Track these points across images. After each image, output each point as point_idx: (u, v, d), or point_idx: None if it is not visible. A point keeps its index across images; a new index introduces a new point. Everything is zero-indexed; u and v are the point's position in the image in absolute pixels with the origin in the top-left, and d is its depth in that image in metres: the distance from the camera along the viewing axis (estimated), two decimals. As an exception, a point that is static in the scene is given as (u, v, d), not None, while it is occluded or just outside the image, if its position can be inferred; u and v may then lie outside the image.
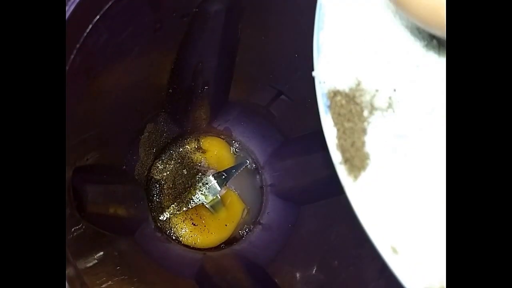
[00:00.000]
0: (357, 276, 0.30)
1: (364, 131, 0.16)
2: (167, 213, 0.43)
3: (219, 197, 0.43)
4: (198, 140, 0.46)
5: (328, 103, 0.17)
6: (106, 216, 0.35)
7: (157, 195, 0.44)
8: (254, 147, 0.46)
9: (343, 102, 0.16)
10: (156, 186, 0.44)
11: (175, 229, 0.43)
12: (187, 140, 0.46)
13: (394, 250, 0.15)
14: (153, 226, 0.43)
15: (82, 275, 0.25)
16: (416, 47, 0.17)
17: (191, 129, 0.46)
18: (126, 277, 0.33)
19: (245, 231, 0.45)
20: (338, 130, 0.16)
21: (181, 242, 0.43)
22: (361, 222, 0.16)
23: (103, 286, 0.29)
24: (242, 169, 0.43)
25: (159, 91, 0.41)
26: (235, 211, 0.45)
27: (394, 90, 0.16)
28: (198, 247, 0.43)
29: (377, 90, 0.17)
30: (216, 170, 0.44)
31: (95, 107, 0.32)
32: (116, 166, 0.41)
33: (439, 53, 0.17)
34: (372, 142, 0.16)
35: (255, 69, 0.39)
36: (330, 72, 0.17)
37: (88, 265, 0.28)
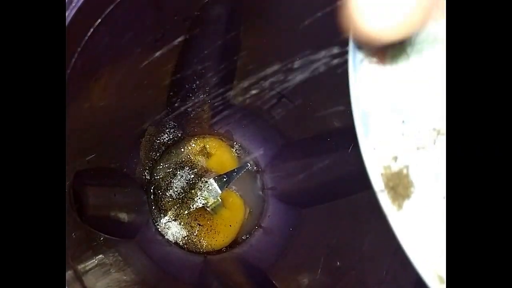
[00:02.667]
0: (360, 280, 0.30)
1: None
2: (168, 216, 0.43)
3: (220, 200, 0.43)
4: (199, 143, 0.46)
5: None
6: (107, 219, 0.35)
7: (158, 198, 0.44)
8: (255, 150, 0.46)
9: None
10: (157, 189, 0.44)
11: (176, 232, 0.43)
12: (188, 143, 0.46)
13: (441, 280, 0.15)
14: (153, 230, 0.43)
15: (81, 278, 0.25)
16: None
17: (192, 132, 0.46)
18: (126, 280, 0.33)
19: (246, 235, 0.44)
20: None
21: (181, 246, 0.43)
22: (406, 251, 0.15)
23: (103, 289, 0.29)
24: (243, 172, 0.43)
25: (160, 94, 0.41)
26: (238, 212, 0.44)
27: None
28: (200, 250, 0.43)
29: (419, 132, 0.16)
30: (217, 173, 0.44)
31: (96, 110, 0.32)
32: (117, 169, 0.41)
33: None
34: (416, 170, 0.16)
35: (256, 72, 0.39)
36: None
37: (88, 268, 0.28)
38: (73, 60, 0.23)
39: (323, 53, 0.34)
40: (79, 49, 0.23)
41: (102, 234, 0.32)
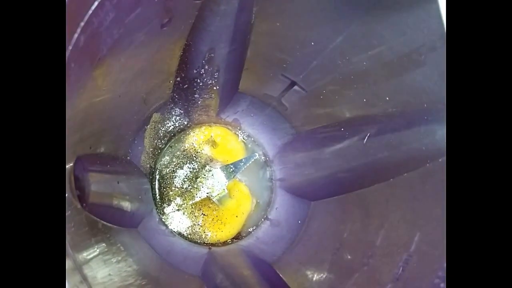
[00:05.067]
0: (373, 276, 0.29)
1: None
2: (172, 206, 0.42)
3: (226, 190, 0.42)
4: (206, 132, 0.45)
5: None
6: (109, 207, 0.34)
7: (162, 187, 0.43)
8: (263, 140, 0.45)
9: None
10: (161, 178, 0.43)
11: (180, 222, 0.42)
12: (194, 131, 0.45)
13: None
14: (157, 219, 0.42)
15: (82, 267, 0.24)
16: None
17: (198, 120, 0.45)
18: (128, 270, 0.32)
19: (253, 227, 0.43)
20: None
21: (185, 236, 0.42)
22: None
23: (104, 279, 0.27)
24: (250, 162, 0.42)
25: (166, 79, 0.39)
26: (245, 203, 0.43)
27: None
28: (204, 241, 0.42)
29: None
30: (224, 163, 0.43)
31: (99, 93, 0.31)
32: (121, 156, 0.40)
33: None
34: None
35: (268, 57, 0.37)
36: None
37: (89, 257, 0.27)
38: (75, 35, 0.22)
39: (338, 40, 0.32)
40: (82, 23, 0.22)
41: (104, 223, 0.31)
